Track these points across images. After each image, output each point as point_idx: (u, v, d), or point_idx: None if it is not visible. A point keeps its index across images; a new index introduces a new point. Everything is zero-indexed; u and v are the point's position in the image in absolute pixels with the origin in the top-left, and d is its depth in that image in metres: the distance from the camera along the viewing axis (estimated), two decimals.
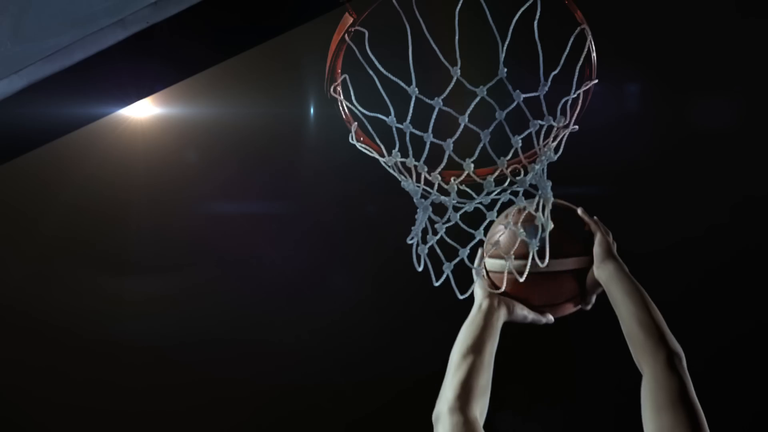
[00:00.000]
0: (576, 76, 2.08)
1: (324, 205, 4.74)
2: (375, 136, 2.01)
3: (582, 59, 2.05)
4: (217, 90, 4.34)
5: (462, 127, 2.01)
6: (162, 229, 4.85)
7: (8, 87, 1.23)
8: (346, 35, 1.80)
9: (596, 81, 2.13)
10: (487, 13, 1.85)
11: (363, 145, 2.00)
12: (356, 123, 1.98)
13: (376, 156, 2.02)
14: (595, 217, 2.22)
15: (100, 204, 4.81)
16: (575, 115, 2.12)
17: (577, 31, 2.04)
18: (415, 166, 2.03)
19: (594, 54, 2.08)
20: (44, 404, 4.96)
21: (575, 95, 2.08)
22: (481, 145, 2.01)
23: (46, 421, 5.00)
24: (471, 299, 2.14)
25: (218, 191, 4.82)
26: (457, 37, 1.95)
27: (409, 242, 2.03)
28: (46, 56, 1.20)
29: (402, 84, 1.95)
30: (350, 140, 1.97)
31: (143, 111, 4.49)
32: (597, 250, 2.16)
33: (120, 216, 4.83)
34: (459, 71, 1.99)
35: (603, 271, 2.12)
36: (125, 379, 4.90)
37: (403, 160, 2.02)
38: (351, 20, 1.82)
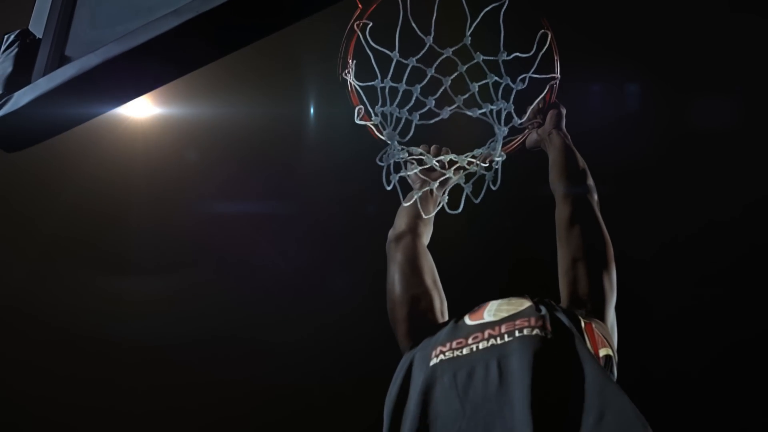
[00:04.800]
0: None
1: (324, 205, 4.74)
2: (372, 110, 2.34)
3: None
4: (217, 90, 4.34)
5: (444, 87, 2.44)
6: (162, 229, 4.85)
7: (86, 63, 1.57)
8: (354, 25, 2.16)
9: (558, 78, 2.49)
10: None
11: (363, 122, 2.34)
12: (361, 107, 2.33)
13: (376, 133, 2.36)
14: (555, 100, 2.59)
15: (100, 204, 4.81)
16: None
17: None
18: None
19: (557, 56, 2.45)
20: (44, 404, 4.96)
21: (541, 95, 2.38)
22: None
23: (47, 421, 5.00)
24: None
25: (218, 191, 4.82)
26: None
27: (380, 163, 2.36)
28: (116, 39, 1.54)
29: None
30: (356, 120, 2.34)
31: (143, 111, 4.49)
32: (549, 119, 2.53)
33: (120, 216, 4.82)
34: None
35: (548, 137, 2.49)
36: (125, 379, 4.90)
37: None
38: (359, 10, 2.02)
